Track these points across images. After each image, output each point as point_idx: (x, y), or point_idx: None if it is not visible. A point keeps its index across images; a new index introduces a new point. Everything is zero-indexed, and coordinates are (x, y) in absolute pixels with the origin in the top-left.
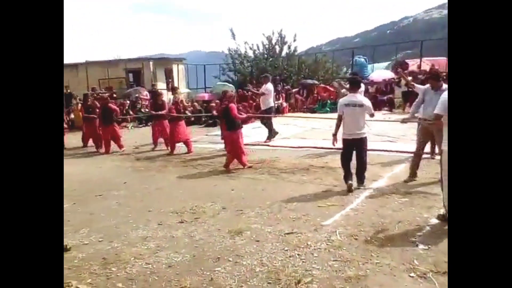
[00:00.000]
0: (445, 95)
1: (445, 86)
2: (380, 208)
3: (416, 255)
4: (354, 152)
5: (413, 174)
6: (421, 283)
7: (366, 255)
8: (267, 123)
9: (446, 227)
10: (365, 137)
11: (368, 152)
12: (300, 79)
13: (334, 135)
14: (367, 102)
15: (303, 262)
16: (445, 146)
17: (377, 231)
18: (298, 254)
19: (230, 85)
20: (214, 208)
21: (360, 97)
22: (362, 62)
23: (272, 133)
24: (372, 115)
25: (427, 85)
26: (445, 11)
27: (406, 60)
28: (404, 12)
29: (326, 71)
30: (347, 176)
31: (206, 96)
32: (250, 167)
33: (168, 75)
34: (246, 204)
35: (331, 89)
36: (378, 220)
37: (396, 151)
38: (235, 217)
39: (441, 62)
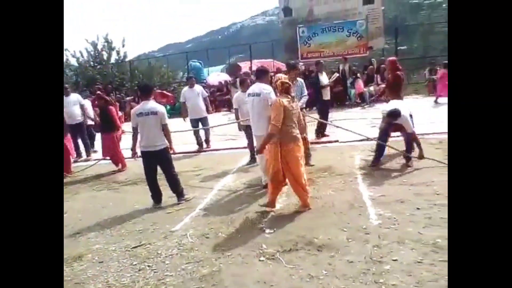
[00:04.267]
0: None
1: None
2: (228, 203)
3: (264, 240)
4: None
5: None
6: (270, 264)
7: (218, 250)
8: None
9: (287, 211)
10: (164, 148)
11: (213, 151)
12: (134, 86)
13: (132, 149)
14: (160, 109)
15: (154, 272)
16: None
17: (227, 225)
18: (148, 266)
19: None
20: None
21: (153, 103)
22: (197, 66)
23: (90, 147)
24: (165, 124)
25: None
26: (268, 18)
27: (239, 63)
28: (232, 19)
29: (162, 76)
30: (154, 195)
31: None
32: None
33: None
34: (84, 225)
35: (169, 94)
36: (227, 215)
37: (238, 148)
38: (71, 242)
39: (269, 63)
